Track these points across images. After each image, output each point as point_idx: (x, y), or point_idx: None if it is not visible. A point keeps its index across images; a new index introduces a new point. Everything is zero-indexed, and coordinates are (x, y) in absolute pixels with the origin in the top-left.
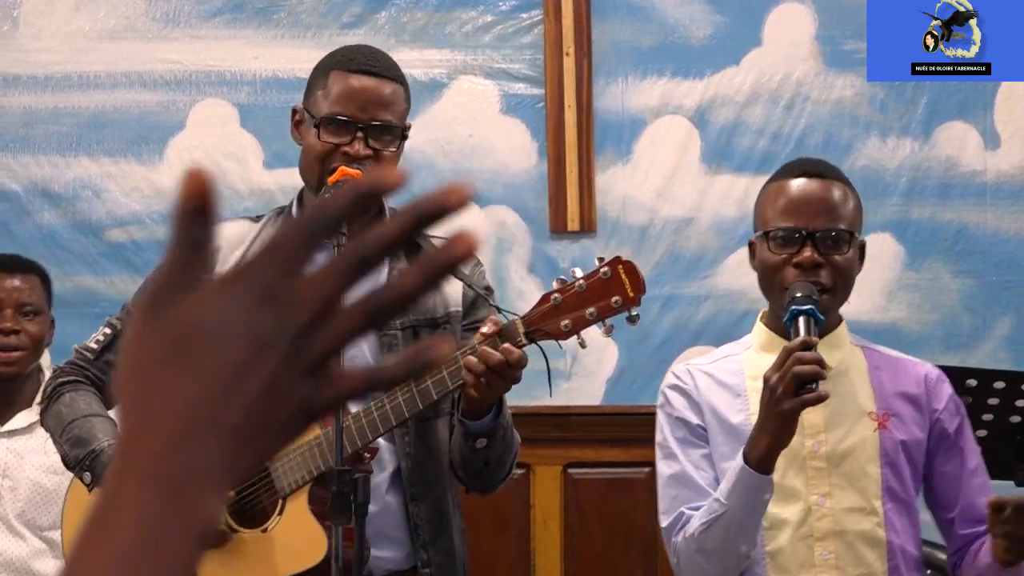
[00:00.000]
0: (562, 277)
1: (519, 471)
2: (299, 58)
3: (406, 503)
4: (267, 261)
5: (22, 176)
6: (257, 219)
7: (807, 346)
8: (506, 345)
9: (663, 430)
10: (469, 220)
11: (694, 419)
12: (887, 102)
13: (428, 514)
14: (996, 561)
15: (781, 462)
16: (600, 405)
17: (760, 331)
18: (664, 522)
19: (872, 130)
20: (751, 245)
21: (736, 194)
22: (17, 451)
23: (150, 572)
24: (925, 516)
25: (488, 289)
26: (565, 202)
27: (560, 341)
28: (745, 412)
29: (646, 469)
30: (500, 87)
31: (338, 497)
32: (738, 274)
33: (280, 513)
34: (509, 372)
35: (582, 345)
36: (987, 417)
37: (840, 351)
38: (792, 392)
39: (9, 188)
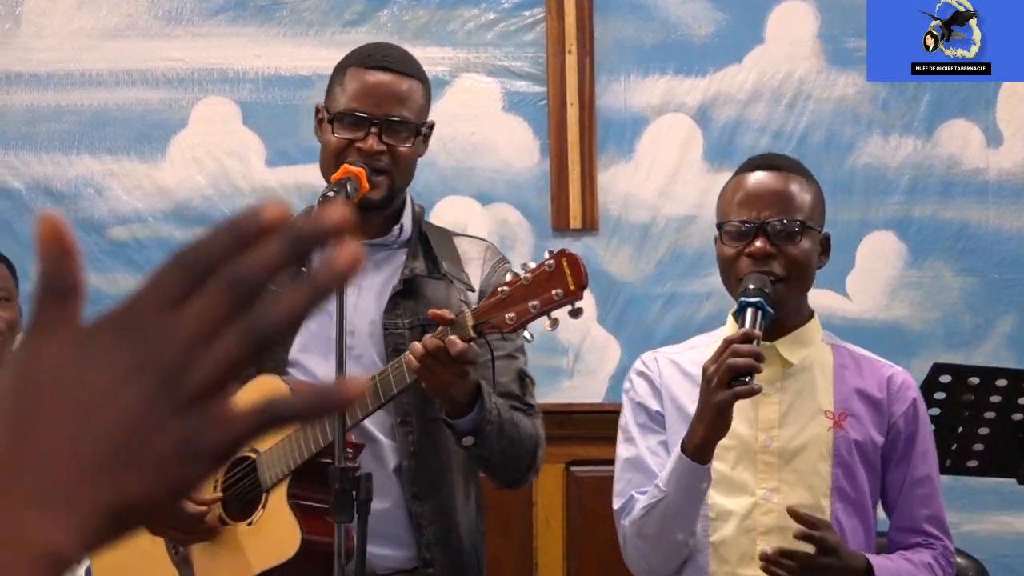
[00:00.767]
0: (515, 270)
1: (542, 459)
2: (301, 56)
3: (407, 501)
4: (139, 298)
5: (24, 174)
6: None
7: (747, 338)
8: (451, 337)
9: (625, 414)
10: (471, 218)
11: (654, 406)
12: (889, 100)
13: (433, 514)
14: None
15: (732, 455)
16: (602, 403)
17: (729, 325)
18: (616, 504)
19: (874, 128)
20: (716, 240)
21: None
22: None
23: None
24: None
25: None
26: (567, 200)
27: (505, 333)
28: None
29: None
30: (502, 85)
31: (341, 496)
32: None
33: (263, 506)
34: (452, 363)
35: (528, 339)
36: (989, 415)
37: (806, 348)
38: (725, 383)
39: (11, 186)
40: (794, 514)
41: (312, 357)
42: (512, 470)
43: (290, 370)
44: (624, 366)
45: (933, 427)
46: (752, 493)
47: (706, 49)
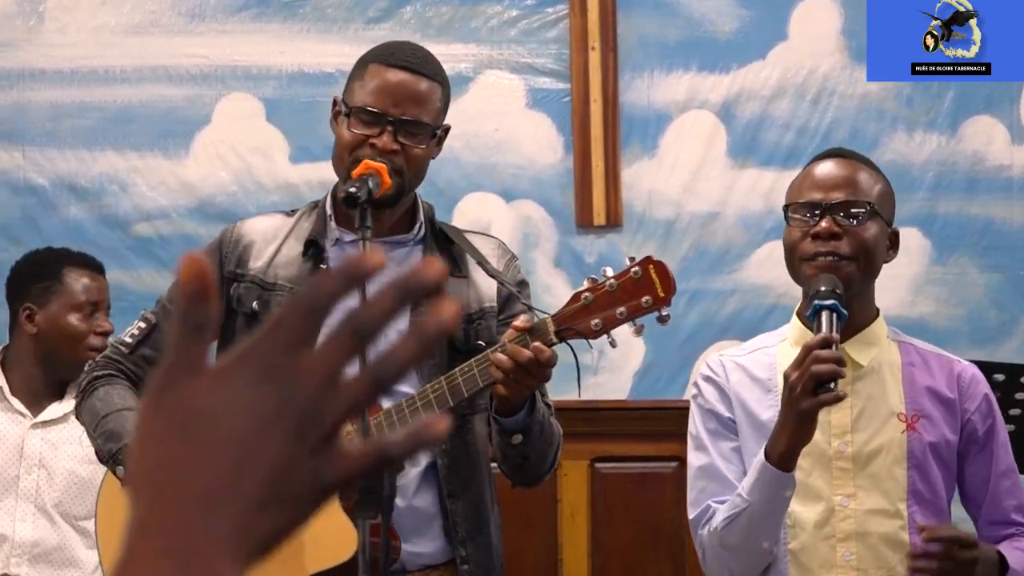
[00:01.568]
0: (593, 276)
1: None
2: (325, 52)
3: (442, 499)
4: (268, 340)
5: (48, 171)
6: (291, 213)
7: (827, 343)
8: (536, 344)
9: (695, 421)
10: (494, 215)
11: (724, 412)
12: (913, 97)
13: (466, 511)
14: None
15: (806, 461)
16: (627, 399)
17: (795, 325)
18: (691, 514)
19: (899, 125)
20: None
21: (762, 188)
22: (52, 441)
23: None
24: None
25: (523, 284)
26: (591, 197)
27: (590, 340)
28: (775, 408)
29: (673, 463)
30: (526, 82)
31: (364, 492)
32: (764, 268)
33: None
34: (539, 370)
35: (612, 344)
36: (1015, 412)
37: (874, 348)
38: (810, 391)
39: (36, 182)
40: (924, 530)
41: None
42: (539, 469)
43: None
44: (649, 363)
45: None
46: (828, 500)
47: (730, 45)
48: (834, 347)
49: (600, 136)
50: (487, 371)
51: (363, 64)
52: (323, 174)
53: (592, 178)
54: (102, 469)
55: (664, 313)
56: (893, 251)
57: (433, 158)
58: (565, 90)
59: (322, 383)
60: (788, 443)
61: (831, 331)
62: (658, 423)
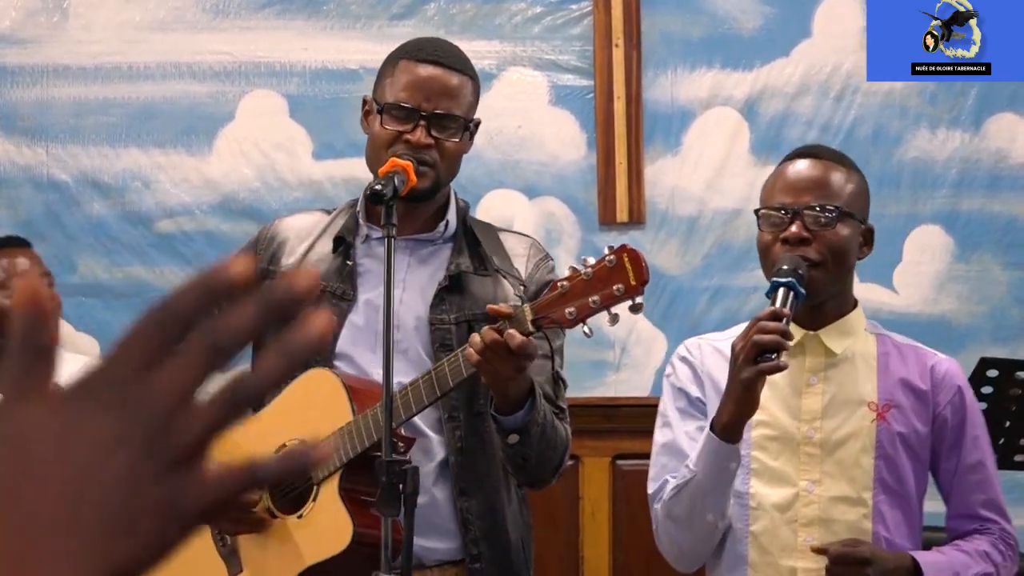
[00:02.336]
0: (573, 265)
1: (567, 462)
2: (348, 49)
3: (454, 496)
4: (116, 360)
5: (72, 167)
6: (330, 212)
7: (775, 316)
8: (510, 331)
9: (665, 399)
10: (517, 211)
11: (695, 391)
12: (937, 94)
13: (479, 508)
14: None
15: (774, 445)
16: (649, 396)
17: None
18: (650, 488)
19: (922, 122)
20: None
21: None
22: None
23: None
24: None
25: (547, 285)
26: (614, 193)
27: (565, 328)
28: None
29: None
30: (549, 78)
31: (387, 489)
32: None
33: (314, 499)
34: (511, 357)
35: (587, 334)
36: None
37: (849, 338)
38: (751, 360)
39: (59, 179)
40: (819, 551)
41: (360, 350)
42: (542, 472)
43: (337, 362)
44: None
45: None
46: (794, 484)
47: (753, 43)
48: (785, 321)
49: (623, 133)
50: (469, 359)
51: (393, 61)
52: (346, 170)
53: (615, 175)
54: None
55: (637, 301)
56: (867, 248)
57: (466, 152)
58: (588, 87)
59: (172, 404)
60: (732, 413)
61: (784, 307)
62: None
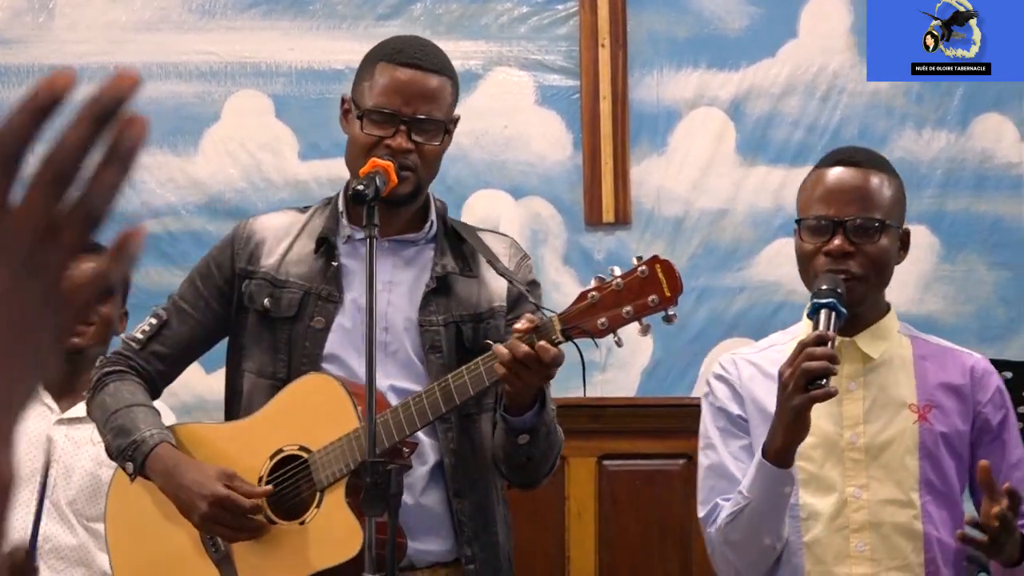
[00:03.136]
0: (600, 275)
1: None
2: (334, 49)
3: (448, 498)
4: None
5: None
6: (304, 210)
7: (821, 341)
8: (541, 343)
9: (705, 420)
10: (503, 212)
11: (735, 409)
12: (923, 94)
13: (472, 510)
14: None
15: (818, 453)
16: (635, 397)
17: (805, 323)
18: (701, 512)
19: (908, 122)
20: (795, 234)
21: (771, 186)
22: (75, 439)
23: None
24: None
25: (534, 284)
26: (600, 194)
27: (597, 339)
28: None
29: (681, 461)
30: (535, 78)
31: (372, 489)
32: (773, 266)
33: (318, 506)
34: (541, 368)
35: (619, 344)
36: (1022, 409)
37: (885, 342)
38: (801, 388)
39: None
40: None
41: (349, 352)
42: (541, 471)
43: (326, 365)
44: (657, 360)
45: None
46: (841, 491)
47: (739, 43)
48: (829, 345)
49: (609, 133)
50: (492, 369)
51: (371, 63)
52: (332, 171)
53: (601, 175)
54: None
55: (671, 313)
56: (904, 251)
57: (445, 151)
58: (575, 87)
59: (38, 233)
60: (783, 439)
61: (828, 329)
62: (666, 421)
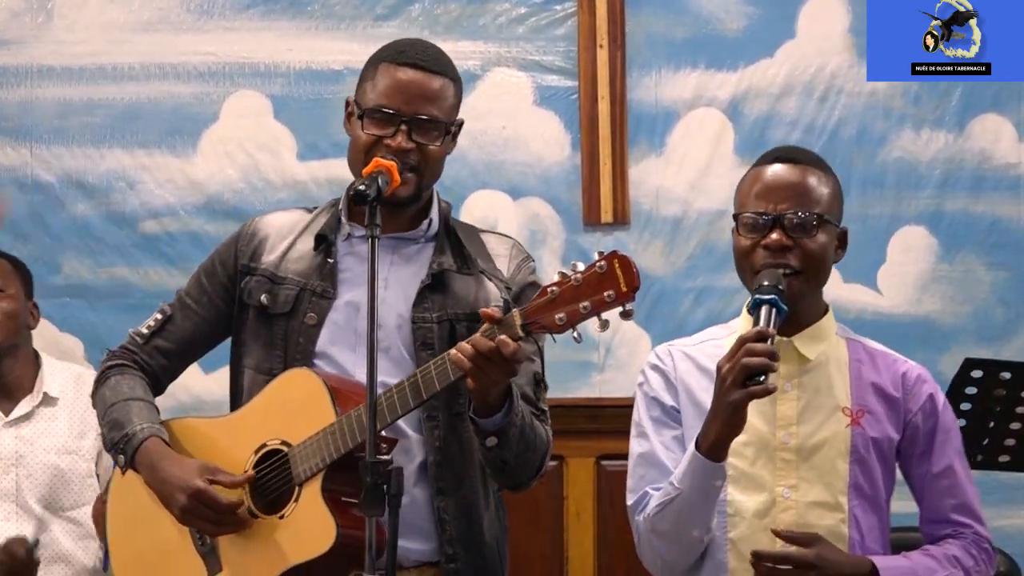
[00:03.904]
0: (563, 270)
1: (551, 463)
2: (333, 50)
3: (432, 496)
4: None
5: (56, 168)
6: (311, 210)
7: (761, 337)
8: (502, 336)
9: (639, 409)
10: (502, 212)
11: (669, 400)
12: (921, 94)
13: (455, 509)
14: None
15: (750, 451)
16: (633, 397)
17: (744, 318)
18: (629, 500)
19: (906, 122)
20: (733, 232)
21: None
22: (26, 438)
23: None
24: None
25: (532, 285)
26: (598, 194)
27: (555, 334)
28: None
29: None
30: (533, 79)
31: (371, 490)
32: None
33: (296, 500)
34: (503, 362)
35: (577, 340)
36: (1021, 410)
37: (822, 343)
38: (740, 383)
39: (43, 179)
40: (777, 534)
41: (340, 349)
42: (522, 474)
43: (318, 361)
44: None
45: (964, 422)
46: (771, 490)
47: (737, 43)
48: (769, 341)
49: (608, 134)
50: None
51: (374, 64)
52: (331, 171)
53: (599, 176)
54: (81, 458)
55: (628, 308)
56: (842, 250)
57: (448, 153)
58: (573, 88)
59: None
60: (718, 433)
61: (768, 325)
62: None
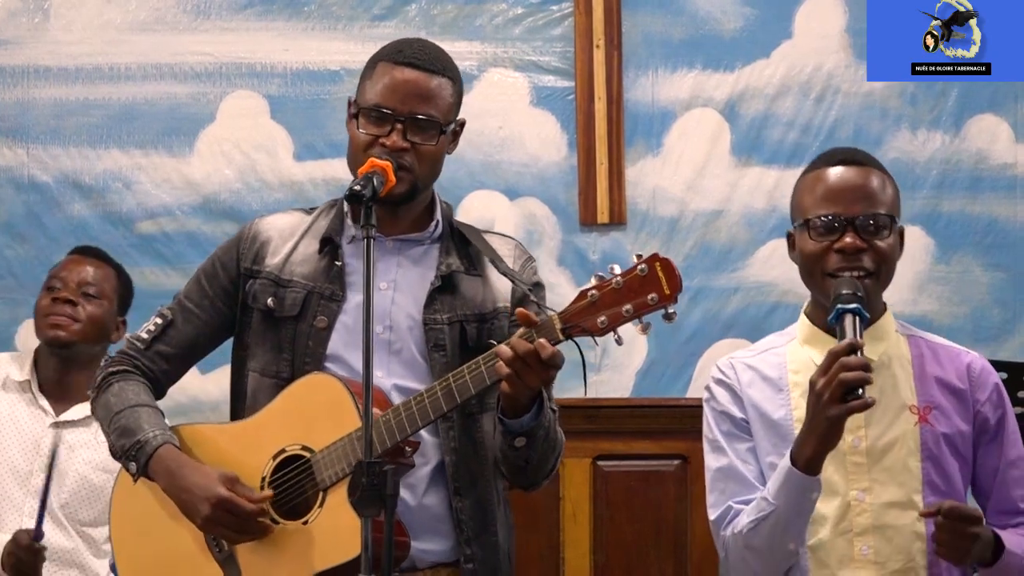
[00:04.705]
0: (600, 273)
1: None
2: (329, 50)
3: (449, 497)
4: None
5: (53, 168)
6: (310, 211)
7: (853, 349)
8: (541, 340)
9: (709, 424)
10: (498, 212)
11: (738, 413)
12: (917, 95)
13: (472, 509)
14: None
15: None
16: (630, 397)
17: (803, 324)
18: (712, 515)
19: (902, 123)
20: (789, 237)
21: (766, 186)
22: (69, 443)
23: None
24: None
25: (538, 285)
26: (595, 194)
27: (596, 338)
28: (787, 407)
29: (676, 461)
30: (530, 79)
31: (368, 490)
32: (768, 267)
33: (321, 506)
34: (541, 367)
35: (618, 342)
36: (1018, 410)
37: (884, 342)
38: (838, 398)
39: (40, 180)
40: (928, 514)
41: (352, 352)
42: (539, 474)
43: (329, 364)
44: (652, 361)
45: None
46: (844, 495)
47: (734, 44)
48: (860, 353)
49: (604, 134)
50: (493, 368)
51: (373, 63)
52: (328, 171)
53: (596, 176)
54: (114, 477)
55: (671, 311)
56: (901, 248)
57: (449, 153)
58: (569, 88)
59: None
60: (815, 448)
61: (855, 336)
62: (661, 421)
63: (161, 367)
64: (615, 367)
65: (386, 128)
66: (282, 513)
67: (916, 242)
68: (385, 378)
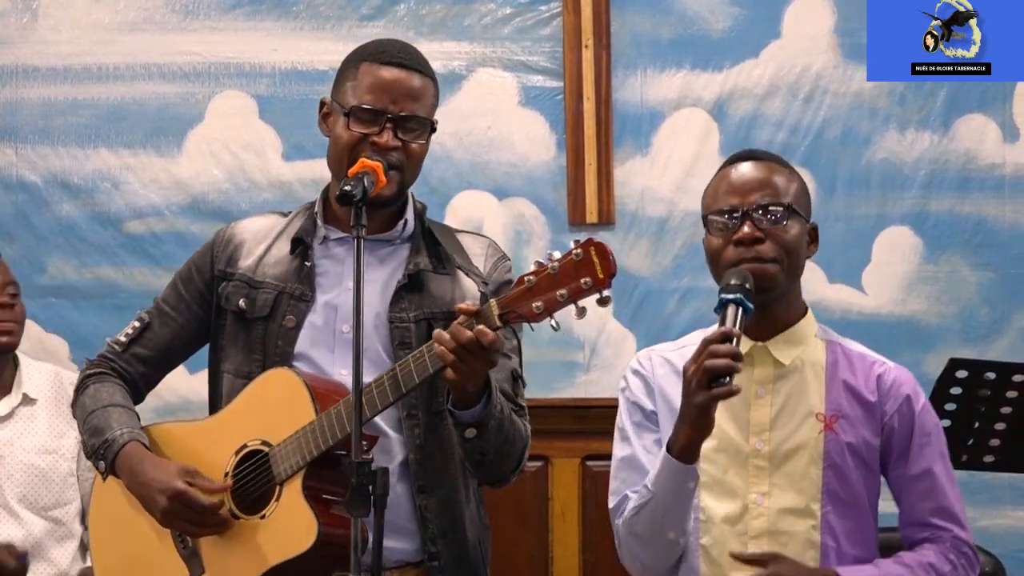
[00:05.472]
0: (539, 260)
1: (537, 463)
2: (318, 50)
3: (413, 495)
4: None
5: (41, 168)
6: (287, 214)
7: (726, 338)
8: (480, 326)
9: (621, 413)
10: (487, 212)
11: (648, 404)
12: (906, 95)
13: (438, 507)
14: None
15: (723, 458)
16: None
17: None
18: (611, 503)
19: (891, 123)
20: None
21: None
22: (5, 439)
23: None
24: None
25: (508, 284)
26: (584, 194)
27: (533, 323)
28: None
29: None
30: (519, 79)
31: (357, 490)
32: None
33: (277, 499)
34: (482, 353)
35: (554, 328)
36: (1006, 410)
37: (798, 347)
38: (704, 385)
39: (28, 180)
40: (737, 558)
41: (319, 350)
42: (502, 468)
43: (296, 363)
44: None
45: (949, 422)
46: (743, 497)
47: (723, 44)
48: (734, 342)
49: (593, 134)
50: (436, 356)
51: (354, 63)
52: (316, 171)
53: (585, 176)
54: (61, 457)
55: (605, 295)
56: (814, 246)
57: (426, 151)
58: (558, 88)
59: None
60: (688, 436)
61: (734, 325)
62: None
63: (138, 369)
64: (604, 367)
65: (376, 127)
66: (244, 507)
67: (904, 242)
68: (350, 375)
